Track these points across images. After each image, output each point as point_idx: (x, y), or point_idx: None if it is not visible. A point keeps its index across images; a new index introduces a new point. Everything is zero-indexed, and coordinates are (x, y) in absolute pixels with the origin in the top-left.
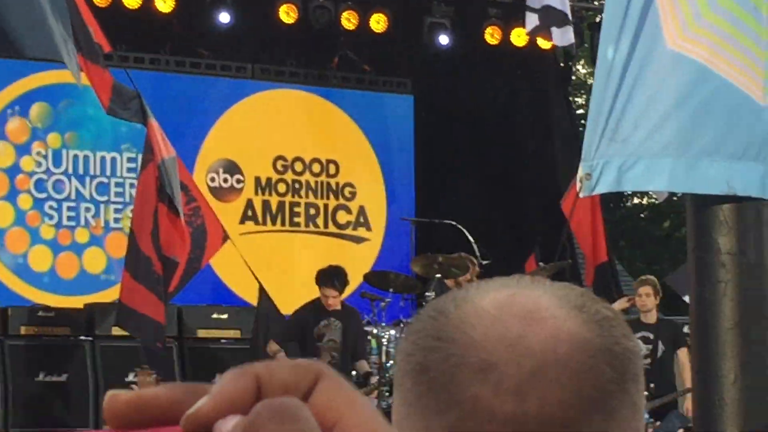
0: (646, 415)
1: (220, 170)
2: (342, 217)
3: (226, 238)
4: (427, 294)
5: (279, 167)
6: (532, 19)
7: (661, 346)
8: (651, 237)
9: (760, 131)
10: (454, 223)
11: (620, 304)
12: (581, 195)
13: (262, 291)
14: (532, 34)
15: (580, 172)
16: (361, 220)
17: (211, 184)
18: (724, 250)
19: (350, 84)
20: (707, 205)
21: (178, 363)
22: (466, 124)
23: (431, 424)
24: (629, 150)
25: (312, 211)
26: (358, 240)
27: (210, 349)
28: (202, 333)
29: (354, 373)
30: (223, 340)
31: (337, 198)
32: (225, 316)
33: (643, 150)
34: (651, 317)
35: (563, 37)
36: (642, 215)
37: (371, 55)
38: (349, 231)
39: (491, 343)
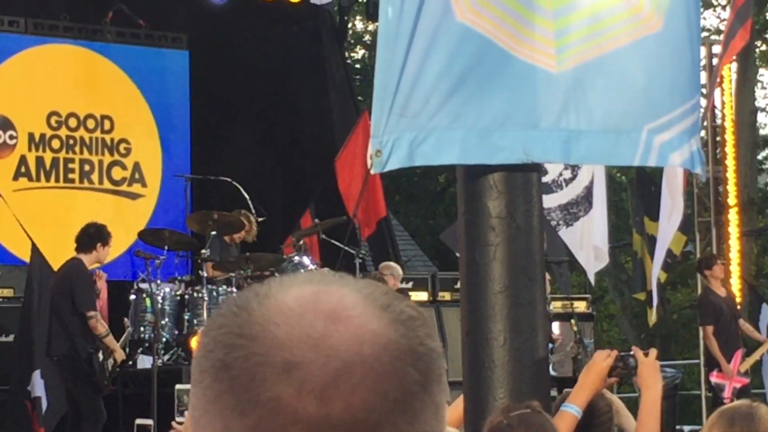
0: None
1: None
2: (117, 173)
3: None
4: (203, 251)
5: (53, 123)
6: None
7: None
8: (426, 191)
9: (557, 99)
10: (229, 179)
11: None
12: (372, 172)
13: (34, 248)
14: None
15: (370, 149)
16: (137, 176)
17: None
18: (494, 214)
19: (125, 39)
20: (477, 170)
21: None
22: (243, 80)
23: (231, 424)
24: (420, 124)
25: (87, 168)
26: (134, 196)
27: None
28: None
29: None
30: None
31: (112, 154)
32: None
33: (434, 124)
34: None
35: None
36: (417, 170)
37: (146, 10)
38: (124, 187)
39: (295, 342)
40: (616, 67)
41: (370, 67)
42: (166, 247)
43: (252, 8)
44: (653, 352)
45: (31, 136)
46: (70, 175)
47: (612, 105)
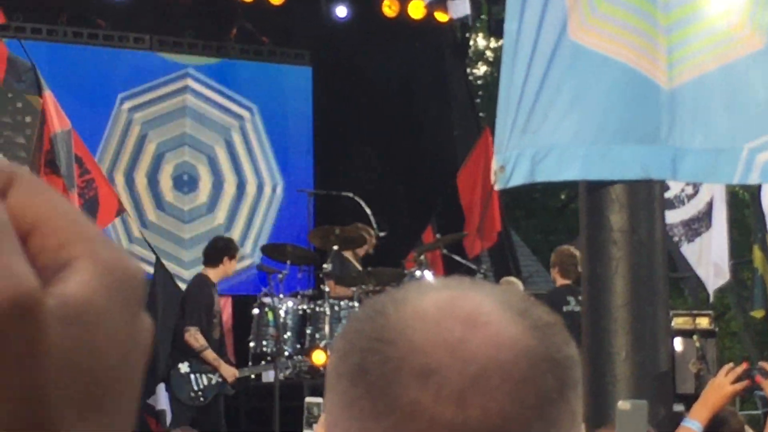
0: None
1: None
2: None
3: (121, 211)
4: (324, 266)
5: None
6: None
7: None
8: (547, 207)
9: (667, 115)
10: (351, 194)
11: None
12: (496, 188)
13: (158, 263)
14: (430, 6)
15: (494, 165)
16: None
17: None
18: (616, 228)
19: (248, 56)
20: (599, 183)
21: None
22: (365, 96)
23: (368, 428)
24: (541, 141)
25: None
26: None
27: None
28: None
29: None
30: None
31: None
32: None
33: (555, 140)
34: None
35: (459, 8)
36: (538, 186)
37: (269, 26)
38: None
39: (432, 347)
40: (717, 86)
41: (491, 84)
42: (288, 262)
43: (374, 24)
44: None
45: None
46: None
47: (712, 124)
